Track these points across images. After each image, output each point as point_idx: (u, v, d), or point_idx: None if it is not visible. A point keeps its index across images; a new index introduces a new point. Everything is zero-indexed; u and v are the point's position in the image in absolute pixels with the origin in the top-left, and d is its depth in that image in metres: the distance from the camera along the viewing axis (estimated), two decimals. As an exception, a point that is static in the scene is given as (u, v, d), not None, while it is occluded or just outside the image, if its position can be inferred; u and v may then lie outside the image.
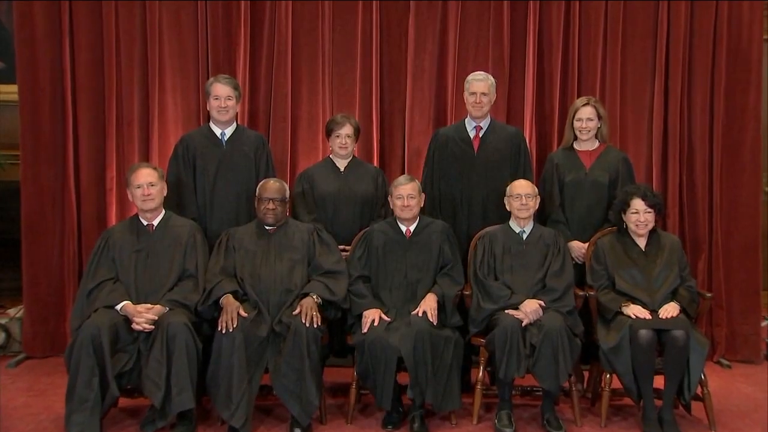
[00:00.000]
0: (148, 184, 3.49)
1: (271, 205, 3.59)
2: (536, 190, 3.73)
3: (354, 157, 4.08)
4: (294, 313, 3.35)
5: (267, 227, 3.64)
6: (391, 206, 3.73)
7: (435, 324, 3.42)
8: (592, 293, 3.61)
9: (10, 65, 4.77)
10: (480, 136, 3.97)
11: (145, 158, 4.55)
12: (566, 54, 4.67)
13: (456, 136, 4.00)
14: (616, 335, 3.36)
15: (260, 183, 3.69)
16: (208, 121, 3.96)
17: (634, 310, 3.43)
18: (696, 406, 3.50)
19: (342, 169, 3.98)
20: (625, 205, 3.63)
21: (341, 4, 4.67)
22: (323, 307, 3.47)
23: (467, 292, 3.63)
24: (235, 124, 3.94)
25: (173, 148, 3.95)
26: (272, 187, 3.63)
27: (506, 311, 3.46)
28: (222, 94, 3.80)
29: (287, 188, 3.72)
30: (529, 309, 3.44)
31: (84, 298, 3.41)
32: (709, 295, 3.70)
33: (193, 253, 3.53)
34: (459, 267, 3.70)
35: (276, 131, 4.67)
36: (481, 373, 3.53)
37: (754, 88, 4.66)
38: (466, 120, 4.02)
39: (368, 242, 3.71)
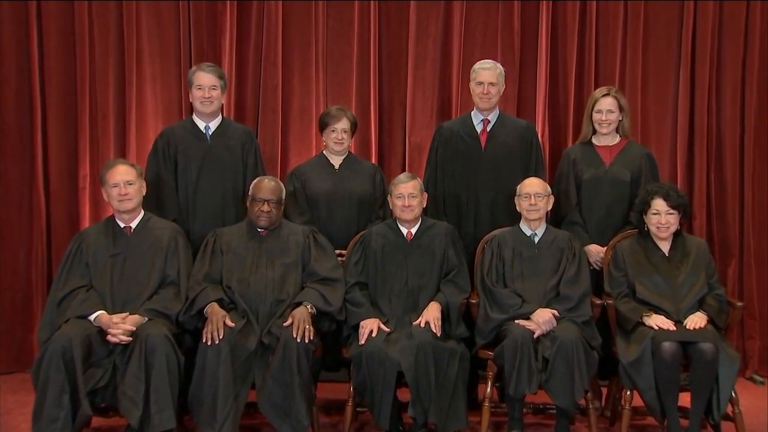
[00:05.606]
0: (125, 183, 3.50)
1: (265, 207, 3.58)
2: (548, 189, 3.74)
3: (350, 153, 4.09)
4: (285, 324, 3.35)
5: (259, 229, 3.65)
6: (391, 207, 3.75)
7: (438, 335, 3.44)
8: (610, 302, 3.63)
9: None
10: (488, 130, 3.99)
11: (122, 154, 4.57)
12: (582, 40, 4.70)
13: (461, 130, 4.02)
14: (637, 348, 3.37)
15: (254, 182, 3.68)
16: (191, 114, 3.98)
17: (657, 321, 3.44)
18: (726, 427, 3.49)
19: (336, 167, 4.00)
20: (646, 206, 3.63)
21: (337, -14, 4.71)
22: (317, 317, 3.48)
23: (474, 301, 3.65)
24: (220, 116, 3.96)
25: (152, 143, 3.96)
26: (267, 186, 3.62)
27: (516, 321, 3.48)
28: (206, 83, 3.82)
29: (284, 188, 3.71)
30: (542, 319, 3.46)
31: (54, 308, 3.42)
32: (740, 304, 3.71)
33: (175, 258, 3.54)
34: (465, 273, 3.72)
35: (265, 125, 4.70)
36: (489, 389, 3.53)
37: (789, 80, 4.70)
38: (472, 113, 4.04)
39: (366, 246, 3.73)
